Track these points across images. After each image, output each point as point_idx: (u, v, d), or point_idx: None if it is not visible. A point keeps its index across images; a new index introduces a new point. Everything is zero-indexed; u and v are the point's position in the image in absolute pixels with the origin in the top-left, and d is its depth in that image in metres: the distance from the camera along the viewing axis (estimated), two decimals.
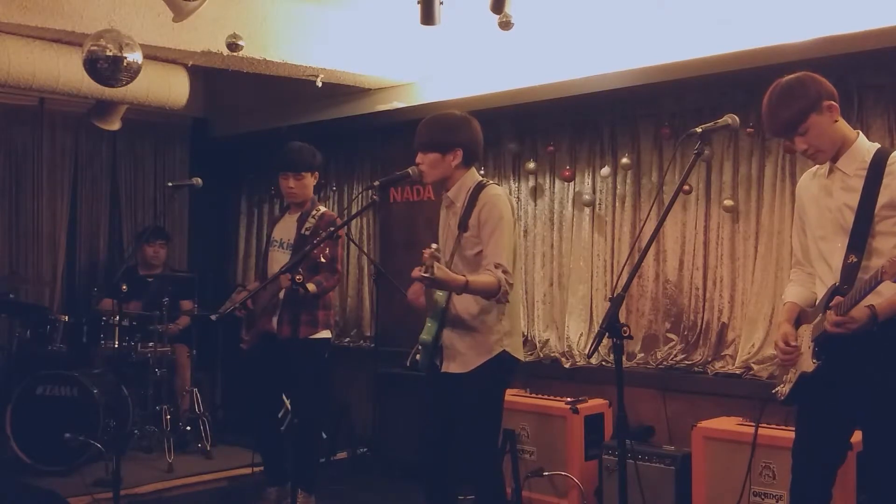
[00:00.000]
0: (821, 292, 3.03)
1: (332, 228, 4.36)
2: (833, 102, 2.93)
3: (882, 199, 2.86)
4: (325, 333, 4.80)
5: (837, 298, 2.84)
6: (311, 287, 4.52)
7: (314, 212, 4.74)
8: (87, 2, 4.71)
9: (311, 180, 4.79)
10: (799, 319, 3.12)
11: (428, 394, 3.74)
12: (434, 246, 3.23)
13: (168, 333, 6.06)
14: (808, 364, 2.98)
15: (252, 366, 4.86)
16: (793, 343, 3.04)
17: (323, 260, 4.31)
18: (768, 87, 3.00)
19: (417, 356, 3.71)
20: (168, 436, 5.76)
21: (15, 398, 5.54)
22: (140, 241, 6.69)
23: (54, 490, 4.86)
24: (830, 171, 3.00)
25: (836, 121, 2.93)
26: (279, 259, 4.72)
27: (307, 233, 4.66)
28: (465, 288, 3.37)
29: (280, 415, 5.03)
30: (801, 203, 3.15)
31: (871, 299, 2.75)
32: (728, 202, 4.89)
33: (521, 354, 3.68)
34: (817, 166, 3.09)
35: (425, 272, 3.16)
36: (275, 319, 4.70)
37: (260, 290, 4.60)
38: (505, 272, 3.44)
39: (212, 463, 5.90)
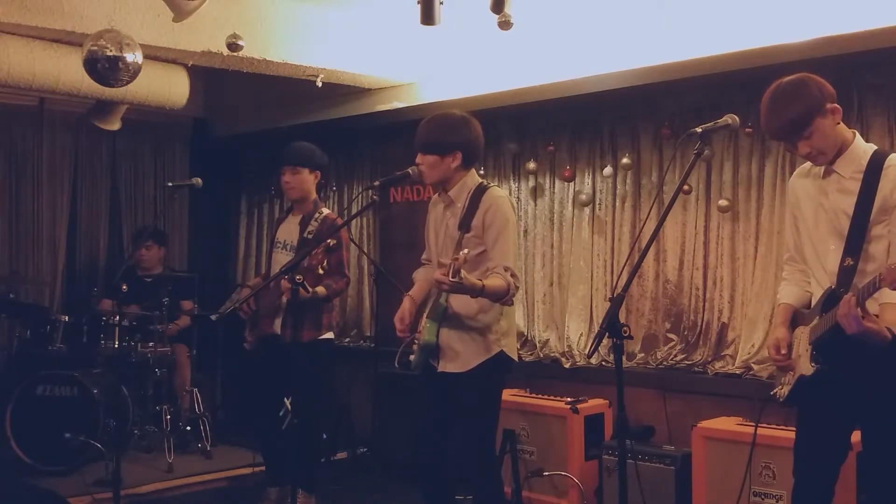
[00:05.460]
0: (817, 293, 3.02)
1: (329, 241, 4.35)
2: (836, 105, 2.90)
3: (877, 203, 2.85)
4: (329, 335, 4.81)
5: (847, 296, 2.80)
6: (320, 290, 4.52)
7: (317, 214, 4.75)
8: (87, 2, 4.71)
9: (309, 177, 4.79)
10: (795, 321, 3.12)
11: (425, 394, 3.74)
12: (465, 251, 3.21)
13: (168, 334, 6.06)
14: (806, 367, 2.97)
15: (253, 367, 4.86)
16: (783, 351, 3.05)
17: (321, 271, 4.31)
18: (768, 88, 2.97)
19: (411, 356, 3.70)
20: (168, 436, 5.76)
21: (15, 398, 5.54)
22: (136, 242, 6.70)
23: (54, 490, 4.87)
24: (826, 172, 2.99)
25: (838, 123, 2.92)
26: (282, 261, 4.71)
27: (310, 236, 4.67)
28: (482, 292, 3.36)
29: (280, 415, 5.03)
30: (794, 200, 3.14)
31: (869, 304, 2.74)
32: (723, 202, 4.88)
33: (515, 355, 3.71)
34: (809, 164, 3.08)
35: (454, 277, 3.14)
36: (277, 322, 4.70)
37: (260, 291, 4.60)
38: (513, 275, 3.46)
39: (212, 463, 5.90)
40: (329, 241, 4.34)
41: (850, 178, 2.92)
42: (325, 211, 4.82)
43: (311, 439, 4.82)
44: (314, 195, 4.86)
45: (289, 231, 4.83)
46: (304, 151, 4.81)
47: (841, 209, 2.92)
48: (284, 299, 4.59)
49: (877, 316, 2.75)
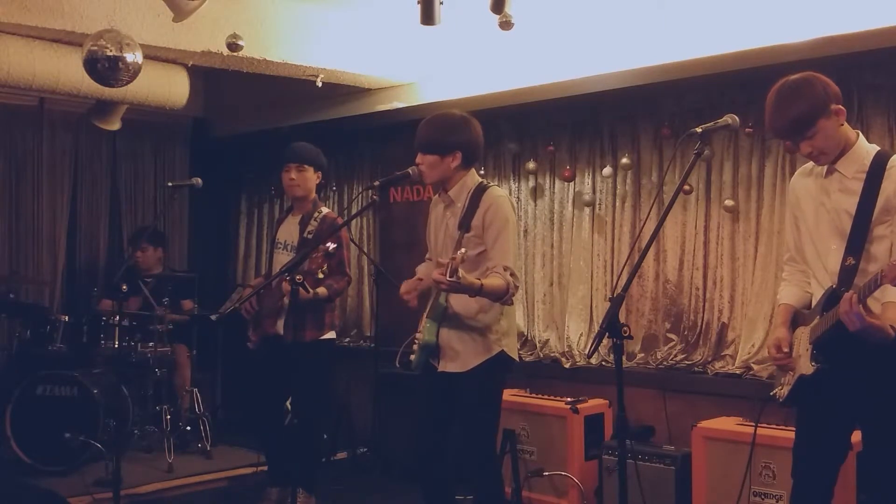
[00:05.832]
0: (817, 293, 3.02)
1: (328, 246, 4.34)
2: (841, 106, 2.89)
3: (880, 203, 2.85)
4: (331, 334, 4.82)
5: (848, 294, 2.80)
6: (321, 291, 4.52)
7: (316, 213, 4.75)
8: (87, 2, 4.71)
9: (313, 176, 4.80)
10: (795, 321, 3.12)
11: (425, 394, 3.74)
12: (463, 251, 3.22)
13: (164, 321, 5.98)
14: (806, 367, 2.96)
15: (255, 367, 4.86)
16: (785, 349, 3.04)
17: (321, 275, 4.32)
18: (768, 87, 2.97)
19: (412, 356, 3.70)
20: (168, 436, 5.75)
21: (15, 398, 5.53)
22: (133, 246, 6.69)
23: (54, 490, 4.86)
24: (829, 171, 2.98)
25: (842, 124, 2.91)
26: (283, 261, 4.71)
27: (310, 236, 4.67)
28: (480, 291, 3.36)
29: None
30: (795, 199, 3.13)
31: (871, 304, 2.74)
32: (729, 202, 4.89)
33: (516, 355, 3.71)
34: (811, 164, 3.08)
35: (451, 276, 3.13)
36: (280, 322, 4.70)
37: (260, 290, 4.60)
38: (513, 275, 3.46)
39: (212, 463, 5.90)
40: (328, 245, 4.33)
41: (853, 178, 2.91)
42: (325, 210, 4.82)
43: (311, 439, 4.82)
44: (314, 195, 4.86)
45: (289, 231, 4.83)
46: (310, 150, 4.83)
47: (843, 209, 2.92)
48: (286, 300, 4.60)
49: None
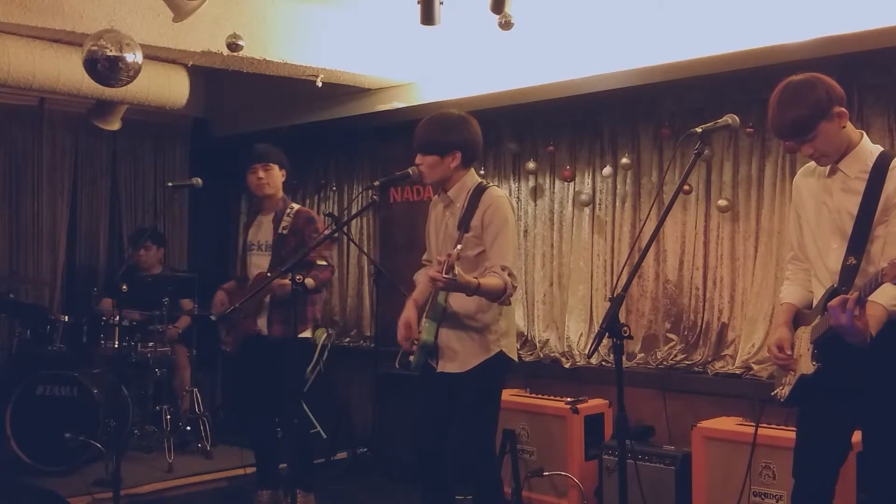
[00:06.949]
0: (818, 292, 3.02)
1: (333, 228, 4.37)
2: (843, 109, 2.87)
3: (881, 203, 2.85)
4: (309, 332, 4.83)
5: (847, 296, 2.80)
6: (308, 282, 4.52)
7: (288, 210, 4.77)
8: (87, 2, 4.72)
9: (279, 174, 4.82)
10: (797, 321, 3.12)
11: (424, 394, 3.74)
12: (459, 247, 3.21)
13: (168, 337, 6.06)
14: (807, 366, 2.96)
15: (241, 369, 4.86)
16: (787, 351, 3.03)
17: (322, 262, 4.33)
18: (769, 87, 2.97)
19: (411, 357, 3.70)
20: (168, 436, 5.76)
21: (15, 398, 5.54)
22: (135, 244, 6.70)
23: (54, 490, 4.87)
24: (832, 171, 2.98)
25: (845, 126, 2.90)
26: (258, 262, 4.76)
27: (285, 231, 4.68)
28: (477, 290, 3.35)
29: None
30: (799, 197, 3.13)
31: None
32: (722, 202, 4.89)
33: (515, 355, 3.70)
34: (814, 162, 3.08)
35: (447, 274, 3.13)
36: (260, 321, 4.70)
37: (237, 292, 4.62)
38: (511, 275, 3.45)
39: (212, 463, 5.90)
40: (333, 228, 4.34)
41: (856, 178, 2.91)
42: (296, 206, 4.83)
43: (308, 438, 4.83)
44: (282, 192, 4.87)
45: (261, 232, 4.84)
46: (273, 150, 4.87)
47: (845, 208, 2.92)
48: (268, 298, 4.60)
49: None
